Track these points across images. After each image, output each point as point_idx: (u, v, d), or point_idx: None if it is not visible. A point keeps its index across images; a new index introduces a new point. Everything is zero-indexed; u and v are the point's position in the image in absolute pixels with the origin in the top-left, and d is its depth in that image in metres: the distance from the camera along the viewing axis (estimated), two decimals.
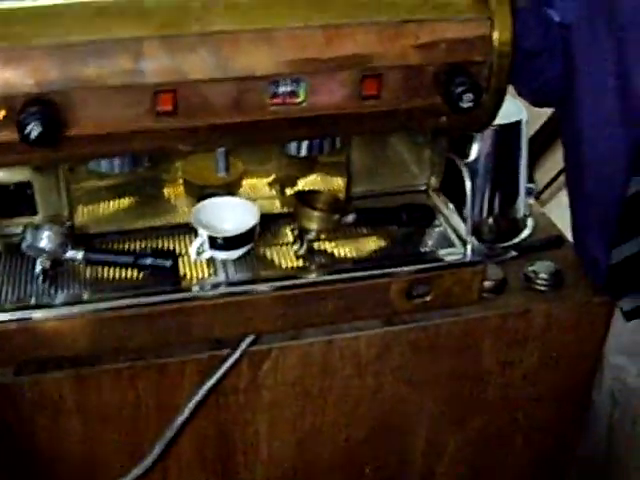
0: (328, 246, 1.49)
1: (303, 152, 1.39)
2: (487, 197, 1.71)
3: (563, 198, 1.71)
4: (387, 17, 1.21)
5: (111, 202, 1.48)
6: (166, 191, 1.51)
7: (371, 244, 1.51)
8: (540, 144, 2.82)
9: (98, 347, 1.35)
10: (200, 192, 1.47)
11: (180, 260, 1.42)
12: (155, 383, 1.41)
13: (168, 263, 1.38)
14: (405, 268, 1.43)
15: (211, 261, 1.42)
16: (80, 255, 1.37)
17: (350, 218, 1.49)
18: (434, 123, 1.33)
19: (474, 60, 1.25)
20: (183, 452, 1.50)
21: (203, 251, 1.39)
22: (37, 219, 1.41)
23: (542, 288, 1.59)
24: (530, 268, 1.61)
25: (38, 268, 1.35)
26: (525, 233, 1.77)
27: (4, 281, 1.37)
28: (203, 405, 1.44)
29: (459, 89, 1.22)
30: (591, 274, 1.63)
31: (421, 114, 1.29)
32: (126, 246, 1.46)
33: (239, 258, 1.42)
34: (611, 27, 1.43)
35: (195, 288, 1.38)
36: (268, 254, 1.47)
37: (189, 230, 1.43)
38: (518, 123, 1.68)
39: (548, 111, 2.09)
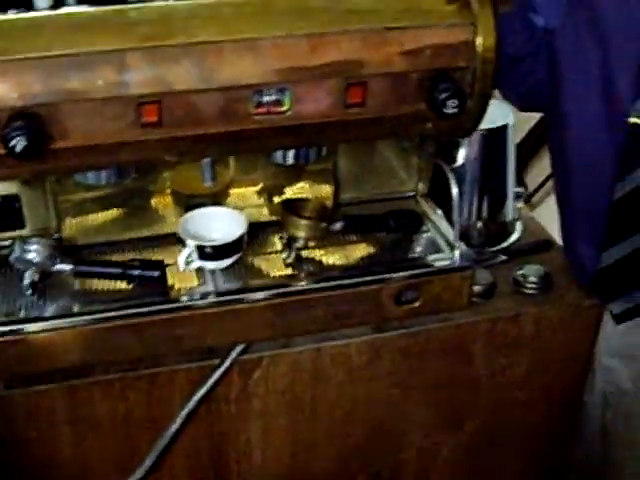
0: (317, 254, 1.49)
1: (290, 160, 1.39)
2: (475, 202, 1.72)
3: (554, 201, 1.71)
4: (371, 24, 1.21)
5: (99, 213, 1.48)
6: (154, 201, 1.51)
7: (359, 251, 1.51)
8: (530, 147, 2.83)
9: (89, 359, 1.35)
10: (188, 202, 1.48)
11: (168, 270, 1.41)
12: (146, 393, 1.42)
13: (156, 274, 1.38)
14: (394, 274, 1.43)
15: (200, 271, 1.42)
16: (68, 267, 1.37)
17: (338, 225, 1.49)
18: (420, 129, 1.33)
19: (458, 66, 1.25)
20: (175, 462, 1.50)
21: (192, 261, 1.39)
22: (25, 232, 1.41)
23: (531, 292, 1.59)
24: (519, 272, 1.61)
25: (27, 281, 1.35)
26: (514, 237, 1.77)
27: None
28: (195, 415, 1.44)
29: (443, 95, 1.22)
30: (580, 277, 1.63)
31: (406, 121, 1.29)
32: (115, 257, 1.46)
33: (227, 267, 1.42)
34: (594, 32, 1.44)
35: (184, 298, 1.38)
36: (256, 263, 1.47)
37: (178, 240, 1.42)
38: (505, 127, 1.68)
39: (537, 115, 2.09)
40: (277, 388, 1.47)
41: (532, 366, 1.61)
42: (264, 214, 1.56)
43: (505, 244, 1.74)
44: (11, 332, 1.30)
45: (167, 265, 1.42)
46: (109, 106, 1.14)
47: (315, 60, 1.19)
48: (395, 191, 1.62)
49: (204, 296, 1.38)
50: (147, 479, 1.47)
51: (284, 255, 1.47)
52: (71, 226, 1.46)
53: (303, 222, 1.45)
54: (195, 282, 1.41)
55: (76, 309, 1.36)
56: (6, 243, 1.40)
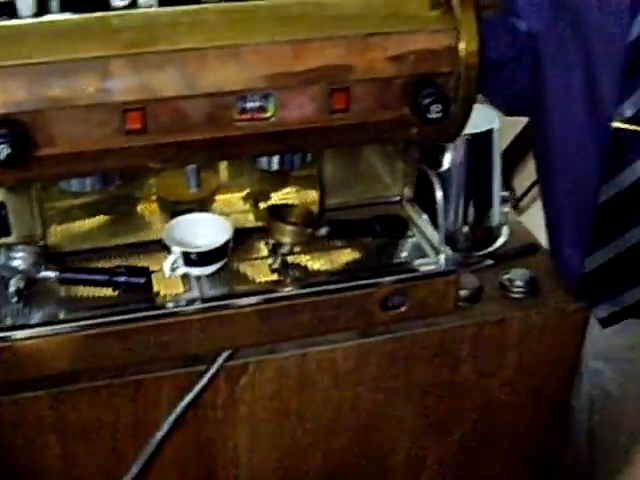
0: (302, 259, 1.50)
1: (274, 166, 1.39)
2: (462, 206, 1.72)
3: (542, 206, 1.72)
4: (355, 30, 1.22)
5: (84, 220, 1.47)
6: (139, 208, 1.51)
7: (345, 256, 1.51)
8: (517, 152, 2.84)
9: (75, 366, 1.34)
10: (173, 208, 1.48)
11: (154, 277, 1.41)
12: (133, 400, 1.41)
13: (142, 280, 1.38)
14: (379, 279, 1.43)
15: (185, 277, 1.42)
16: (54, 274, 1.37)
17: (323, 231, 1.49)
18: (404, 135, 1.33)
19: (441, 71, 1.26)
20: (163, 468, 1.49)
21: (177, 267, 1.39)
22: (11, 239, 1.40)
23: (518, 296, 1.59)
24: (505, 276, 1.61)
25: (12, 288, 1.34)
26: (500, 241, 1.77)
27: None
28: (182, 421, 1.44)
29: (427, 100, 1.22)
30: (566, 281, 1.63)
31: (390, 126, 1.30)
32: (100, 264, 1.46)
33: (213, 274, 1.42)
34: (577, 36, 1.45)
35: (170, 304, 1.38)
36: (242, 269, 1.47)
37: (163, 247, 1.42)
38: (490, 132, 1.68)
39: (524, 120, 2.10)
40: (264, 394, 1.47)
41: (519, 370, 1.61)
42: (250, 220, 1.56)
43: (491, 248, 1.74)
44: None
45: (153, 272, 1.42)
46: (93, 113, 1.15)
47: (299, 66, 1.20)
48: (380, 196, 1.62)
49: (190, 302, 1.38)
50: None
51: (270, 261, 1.47)
52: (56, 233, 1.45)
53: (289, 228, 1.45)
54: (181, 288, 1.41)
55: (62, 316, 1.35)
56: None
